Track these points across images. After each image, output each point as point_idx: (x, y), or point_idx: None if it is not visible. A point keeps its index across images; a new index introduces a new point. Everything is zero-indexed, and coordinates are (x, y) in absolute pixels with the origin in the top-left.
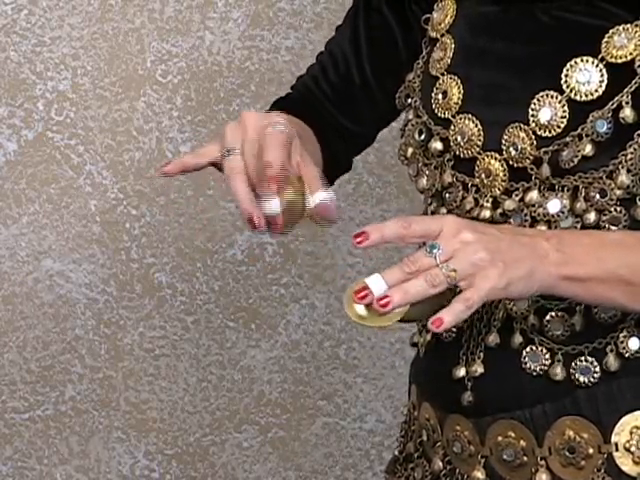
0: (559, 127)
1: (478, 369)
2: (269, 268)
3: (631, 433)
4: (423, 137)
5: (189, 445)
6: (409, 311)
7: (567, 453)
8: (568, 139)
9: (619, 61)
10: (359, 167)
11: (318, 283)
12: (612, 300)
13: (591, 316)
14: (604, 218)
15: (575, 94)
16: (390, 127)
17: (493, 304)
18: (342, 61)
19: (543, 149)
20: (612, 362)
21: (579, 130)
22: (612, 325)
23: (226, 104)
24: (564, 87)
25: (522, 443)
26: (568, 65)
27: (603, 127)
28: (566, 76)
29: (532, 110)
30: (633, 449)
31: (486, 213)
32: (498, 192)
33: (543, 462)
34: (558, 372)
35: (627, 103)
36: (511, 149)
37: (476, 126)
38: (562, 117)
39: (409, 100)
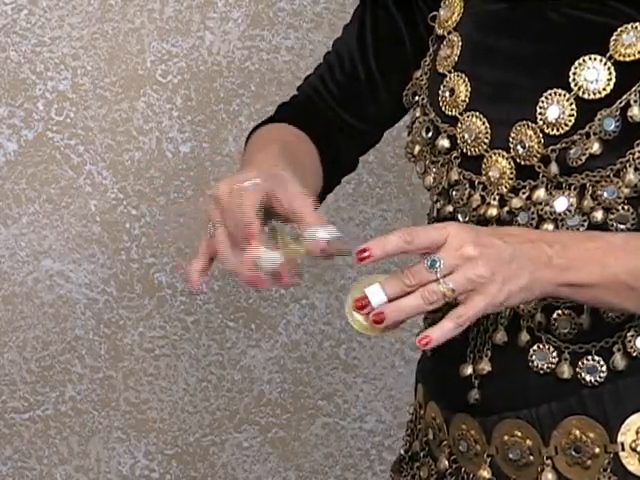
0: (567, 125)
1: (485, 367)
2: None
3: (637, 433)
4: (430, 135)
5: (189, 445)
6: None
7: (573, 452)
8: (576, 137)
9: (627, 59)
10: (359, 167)
11: (318, 283)
12: (615, 305)
13: (598, 315)
14: (611, 216)
15: (583, 92)
16: (392, 126)
17: None
18: (348, 59)
19: (551, 147)
20: (619, 361)
21: (587, 128)
22: (619, 324)
23: (226, 104)
24: (572, 85)
25: (528, 442)
26: (576, 63)
27: (611, 125)
28: (574, 74)
29: (540, 108)
30: (639, 449)
31: (493, 211)
32: (505, 190)
33: (549, 461)
34: (565, 370)
35: (635, 101)
36: (518, 147)
37: (483, 124)
38: (570, 115)
39: (416, 98)
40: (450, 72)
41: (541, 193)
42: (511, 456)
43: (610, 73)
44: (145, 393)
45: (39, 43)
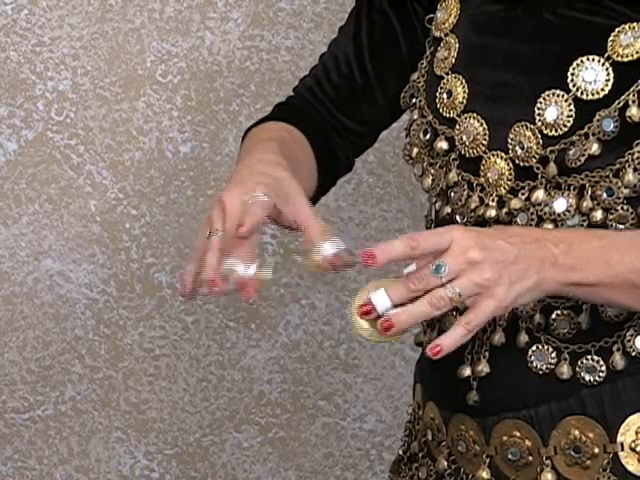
0: (565, 126)
1: (484, 369)
2: None
3: (637, 433)
4: (428, 137)
5: (189, 445)
6: None
7: (572, 453)
8: (574, 138)
9: (625, 60)
10: (359, 167)
11: (318, 283)
12: (620, 303)
13: (597, 315)
14: (611, 217)
15: (581, 93)
16: (390, 127)
17: None
18: (344, 61)
19: (549, 148)
20: (618, 361)
21: (585, 129)
22: (619, 324)
23: (226, 104)
24: (570, 86)
25: (527, 443)
26: (574, 64)
27: (609, 126)
28: (572, 75)
29: (538, 109)
30: (639, 449)
31: (491, 212)
32: (504, 191)
33: (548, 462)
34: (564, 371)
35: (634, 102)
36: (517, 148)
37: (481, 125)
38: (568, 116)
39: (414, 100)
40: (447, 74)
41: (540, 194)
42: (510, 456)
43: (608, 74)
44: (145, 393)
45: (39, 43)
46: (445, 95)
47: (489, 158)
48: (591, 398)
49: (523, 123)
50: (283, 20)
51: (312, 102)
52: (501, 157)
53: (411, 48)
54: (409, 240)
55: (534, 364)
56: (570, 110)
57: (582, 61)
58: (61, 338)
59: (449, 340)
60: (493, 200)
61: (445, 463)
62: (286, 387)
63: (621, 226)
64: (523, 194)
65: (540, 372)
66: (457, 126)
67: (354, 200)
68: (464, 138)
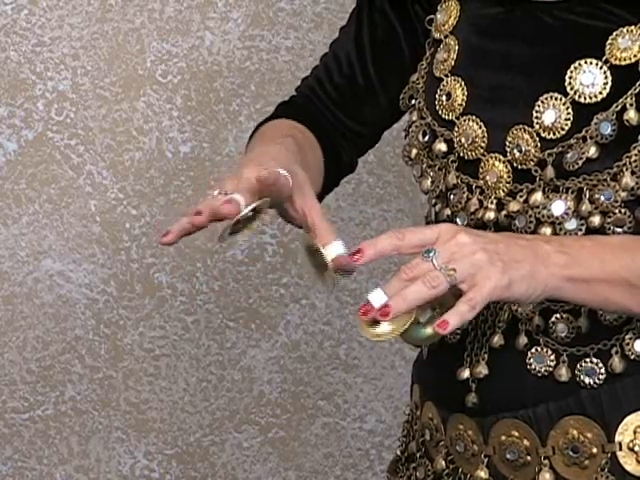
0: (563, 129)
1: (482, 371)
2: (269, 268)
3: (635, 433)
4: (427, 138)
5: (189, 445)
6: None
7: (571, 452)
8: (572, 141)
9: (623, 63)
10: (359, 167)
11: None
12: (618, 303)
13: (596, 318)
14: (608, 220)
15: (579, 96)
16: (390, 128)
17: (498, 306)
18: (346, 63)
19: (547, 151)
20: (617, 364)
21: (583, 132)
22: (617, 327)
23: (226, 104)
24: (568, 89)
25: (525, 442)
26: (572, 67)
27: (607, 129)
28: (570, 78)
29: (536, 112)
30: (637, 449)
31: (490, 215)
32: (502, 194)
33: (547, 461)
34: (563, 373)
35: (631, 105)
36: (515, 151)
37: (480, 127)
38: (566, 119)
39: (413, 101)
40: (447, 76)
41: (538, 197)
42: (508, 456)
43: (606, 77)
44: (145, 393)
45: (39, 43)
46: (444, 97)
47: (488, 161)
48: (589, 398)
49: (521, 126)
50: (283, 20)
51: (315, 102)
52: (499, 160)
53: (412, 50)
54: (396, 232)
55: (533, 366)
56: (568, 113)
57: (580, 64)
58: (61, 338)
59: (456, 316)
60: (492, 203)
61: (443, 463)
62: (286, 387)
63: (619, 229)
64: (521, 197)
65: (539, 374)
66: (456, 128)
67: (354, 200)
68: (463, 140)
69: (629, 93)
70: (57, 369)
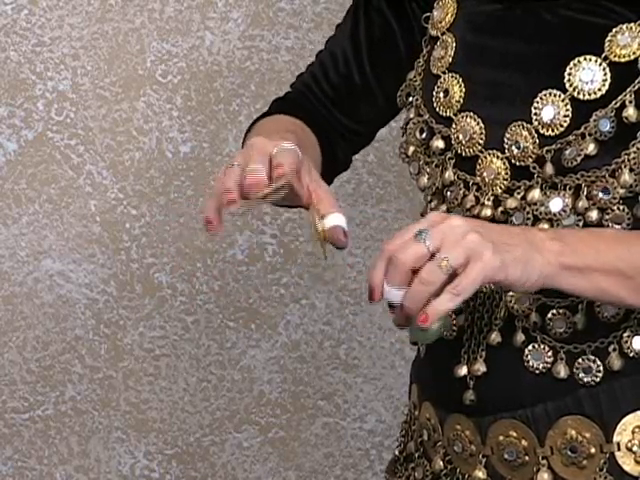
0: (562, 126)
1: (480, 368)
2: (269, 268)
3: (633, 433)
4: (424, 135)
5: (189, 445)
6: None
7: (569, 452)
8: (571, 138)
9: (622, 60)
10: (359, 167)
11: (318, 283)
12: (613, 294)
13: (593, 314)
14: (606, 217)
15: (578, 93)
16: (390, 127)
17: (494, 303)
18: (342, 60)
19: (546, 148)
20: (615, 361)
21: (582, 129)
22: (615, 324)
23: (226, 104)
24: (567, 86)
25: (523, 442)
26: (571, 64)
27: (606, 126)
28: (569, 75)
29: (535, 109)
30: (635, 449)
31: (487, 211)
32: (500, 191)
33: (545, 461)
34: (561, 370)
35: (630, 102)
36: (513, 148)
37: (478, 124)
38: (565, 116)
39: (410, 99)
40: (444, 73)
41: (536, 193)
42: (506, 456)
43: (605, 74)
44: (145, 393)
45: (39, 43)
46: (442, 94)
47: (485, 157)
48: (588, 398)
49: (520, 123)
50: (283, 20)
51: (310, 99)
52: (497, 157)
53: (409, 48)
54: (385, 247)
55: (530, 363)
56: (567, 110)
57: (579, 61)
58: (61, 338)
59: (435, 305)
60: (489, 199)
61: (441, 463)
62: (286, 387)
63: (617, 226)
64: (519, 193)
65: (537, 371)
66: (453, 125)
67: (354, 200)
68: (460, 137)
69: (628, 90)
70: (57, 369)
